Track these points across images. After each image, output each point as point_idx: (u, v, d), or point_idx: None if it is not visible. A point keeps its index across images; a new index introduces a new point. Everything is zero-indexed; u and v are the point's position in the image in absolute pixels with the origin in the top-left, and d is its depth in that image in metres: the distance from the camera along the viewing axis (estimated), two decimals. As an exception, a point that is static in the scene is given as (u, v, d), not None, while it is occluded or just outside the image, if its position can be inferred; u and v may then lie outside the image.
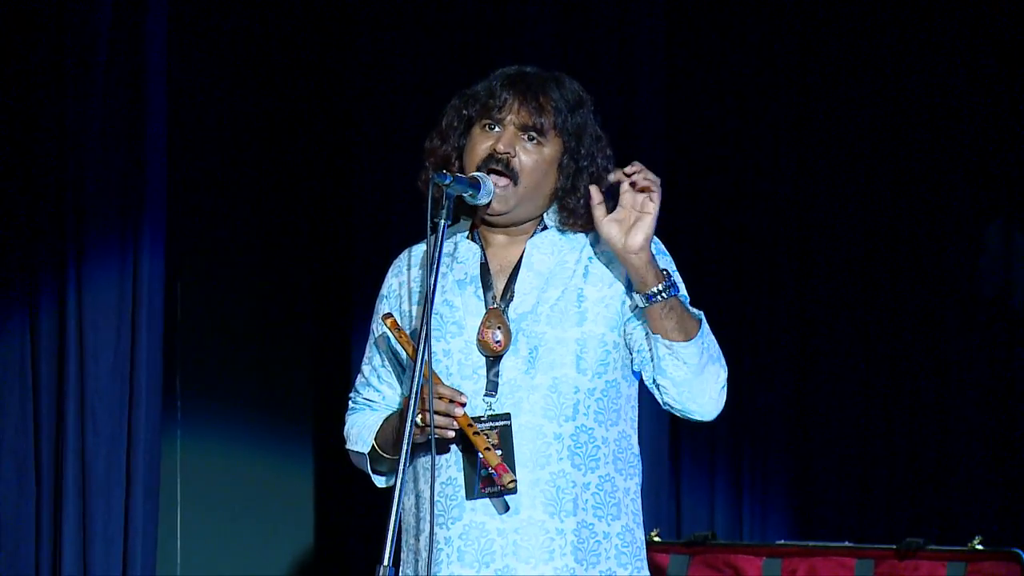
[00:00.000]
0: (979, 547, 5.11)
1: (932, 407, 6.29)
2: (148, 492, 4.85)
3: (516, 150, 3.27)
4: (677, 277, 3.27)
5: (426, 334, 3.09)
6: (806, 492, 6.35)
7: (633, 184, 3.17)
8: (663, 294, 3.16)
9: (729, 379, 3.30)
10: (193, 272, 5.73)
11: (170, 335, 5.16)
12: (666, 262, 3.30)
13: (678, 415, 3.30)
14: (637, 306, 3.21)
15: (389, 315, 3.32)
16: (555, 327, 3.25)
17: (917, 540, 5.18)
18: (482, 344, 3.25)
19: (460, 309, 3.29)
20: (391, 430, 3.31)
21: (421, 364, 3.07)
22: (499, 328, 3.25)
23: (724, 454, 6.30)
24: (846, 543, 5.32)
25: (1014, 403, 6.21)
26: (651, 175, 3.16)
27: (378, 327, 3.41)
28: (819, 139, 6.44)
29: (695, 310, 3.23)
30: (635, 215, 3.16)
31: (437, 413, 3.16)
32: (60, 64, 4.82)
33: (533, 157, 3.28)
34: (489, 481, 3.20)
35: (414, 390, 3.07)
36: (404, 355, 3.32)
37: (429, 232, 3.14)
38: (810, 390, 6.38)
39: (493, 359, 3.25)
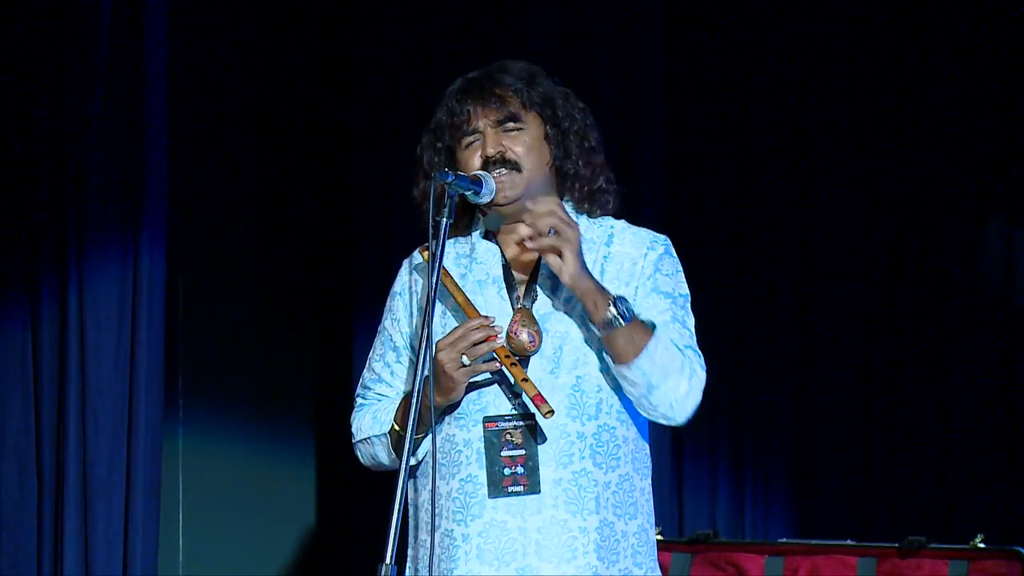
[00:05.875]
0: (981, 545, 5.11)
1: (934, 406, 6.28)
2: (149, 490, 4.85)
3: (504, 145, 3.28)
4: (665, 282, 3.29)
5: (427, 334, 3.09)
6: (808, 490, 6.34)
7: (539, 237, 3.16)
8: (614, 323, 3.16)
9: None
10: (194, 270, 5.73)
11: (172, 333, 5.16)
12: (671, 264, 3.34)
13: None
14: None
15: (427, 248, 3.27)
16: (579, 326, 3.26)
17: (919, 538, 5.18)
18: (512, 344, 3.25)
19: (482, 309, 3.29)
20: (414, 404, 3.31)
21: (422, 367, 3.07)
22: (530, 328, 3.26)
23: (726, 453, 6.30)
24: (848, 541, 5.32)
25: (1016, 401, 6.20)
26: (540, 224, 3.14)
27: (391, 323, 3.42)
28: (820, 138, 6.44)
29: (650, 321, 3.23)
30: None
31: (477, 344, 3.17)
32: (60, 63, 4.82)
33: (522, 141, 3.30)
34: (513, 480, 3.20)
35: (418, 378, 3.06)
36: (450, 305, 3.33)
37: (431, 234, 3.14)
38: (812, 388, 6.38)
39: (522, 360, 3.25)
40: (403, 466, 3.04)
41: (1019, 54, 6.23)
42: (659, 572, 3.34)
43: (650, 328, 3.21)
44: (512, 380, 3.20)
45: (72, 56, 4.81)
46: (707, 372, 3.34)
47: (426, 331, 3.09)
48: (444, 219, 3.15)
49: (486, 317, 3.21)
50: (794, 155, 6.45)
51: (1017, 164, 6.25)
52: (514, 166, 3.27)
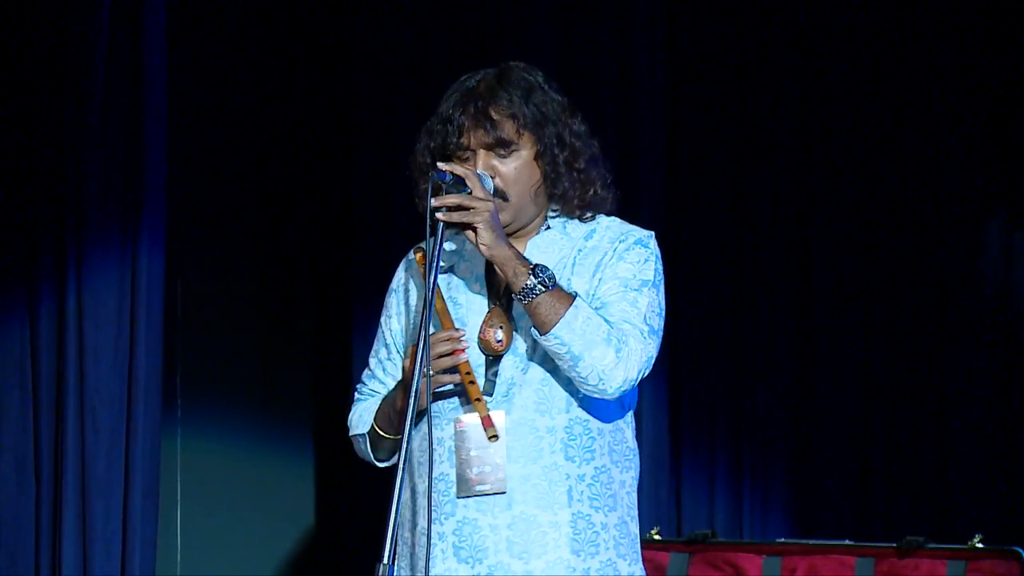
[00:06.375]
0: (979, 545, 5.10)
1: (932, 405, 6.28)
2: (148, 490, 4.85)
3: (493, 168, 3.28)
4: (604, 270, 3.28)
5: (425, 334, 3.10)
6: (806, 490, 6.34)
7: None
8: (535, 290, 3.17)
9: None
10: (193, 270, 5.73)
11: (170, 333, 5.16)
12: (638, 253, 3.31)
13: None
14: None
15: (420, 248, 3.32)
16: None
17: (917, 538, 5.18)
18: (483, 343, 3.27)
19: (463, 306, 3.31)
20: (388, 408, 3.34)
21: (420, 365, 3.08)
22: (501, 328, 3.27)
23: (724, 452, 6.29)
24: (846, 541, 5.31)
25: (1014, 401, 6.20)
26: (449, 201, 3.15)
27: (385, 320, 3.44)
28: (819, 138, 6.43)
29: (572, 291, 3.23)
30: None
31: (442, 356, 3.19)
32: (59, 63, 4.82)
33: (511, 165, 3.29)
34: (480, 479, 3.21)
35: (414, 383, 3.08)
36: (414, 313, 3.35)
37: (428, 234, 3.15)
38: (810, 388, 6.38)
39: (493, 358, 3.27)
40: (400, 466, 3.05)
41: (1019, 54, 6.23)
42: (642, 567, 3.33)
43: (572, 297, 3.21)
44: (468, 397, 3.22)
45: (71, 56, 4.82)
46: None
47: (423, 331, 3.09)
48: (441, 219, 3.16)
49: (456, 330, 3.22)
50: (794, 155, 6.44)
51: (1016, 164, 6.25)
52: (500, 194, 3.27)
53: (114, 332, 4.84)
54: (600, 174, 3.36)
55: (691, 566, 5.38)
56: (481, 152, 3.28)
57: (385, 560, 2.98)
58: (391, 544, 2.99)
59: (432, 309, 3.18)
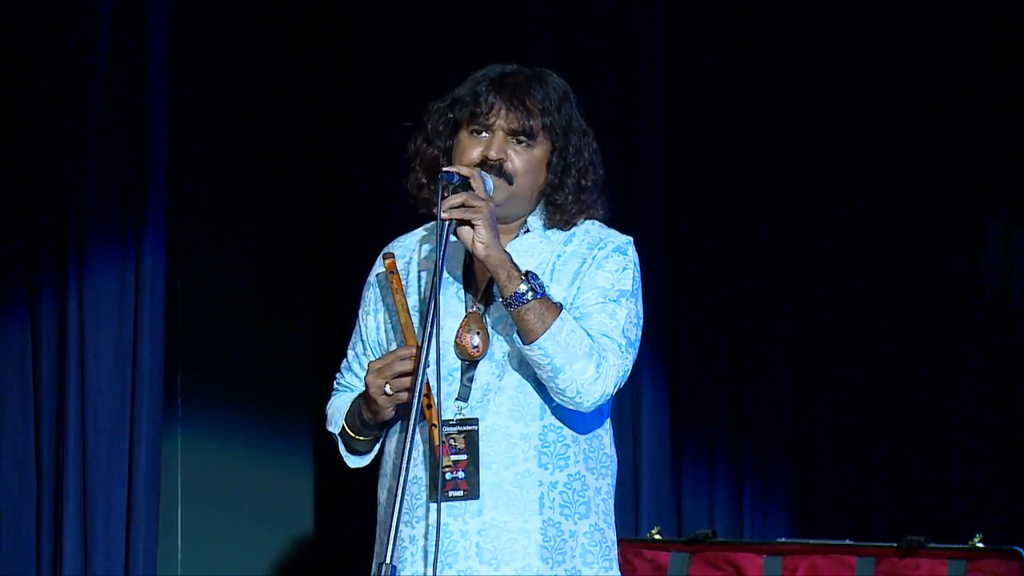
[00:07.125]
0: (980, 545, 5.11)
1: (933, 405, 6.29)
2: (149, 490, 4.86)
3: (508, 154, 3.29)
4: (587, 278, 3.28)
5: (429, 333, 3.10)
6: (807, 490, 6.34)
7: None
8: (525, 296, 3.16)
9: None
10: (194, 269, 5.74)
11: (171, 332, 5.16)
12: (616, 261, 3.31)
13: None
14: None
15: (390, 255, 3.34)
16: None
17: (918, 538, 5.18)
18: (459, 348, 3.27)
19: (441, 308, 3.28)
20: (355, 415, 3.36)
21: (424, 363, 3.08)
22: (477, 333, 3.27)
23: (725, 452, 6.30)
24: (847, 541, 5.32)
25: (1014, 401, 6.21)
26: (453, 201, 3.16)
27: (363, 315, 3.44)
28: (819, 137, 6.44)
29: (559, 302, 3.22)
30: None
31: (405, 375, 3.19)
32: (60, 62, 4.83)
33: (524, 158, 3.30)
34: (453, 484, 3.21)
35: (418, 384, 3.07)
36: (388, 312, 3.35)
37: (438, 232, 3.15)
38: (811, 388, 6.38)
39: (469, 363, 3.26)
40: (404, 464, 3.05)
41: (1019, 53, 6.23)
42: (616, 572, 3.32)
43: (559, 308, 3.20)
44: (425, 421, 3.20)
45: (73, 55, 4.82)
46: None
47: (429, 330, 3.10)
48: (448, 220, 3.16)
49: (418, 347, 3.18)
50: (793, 156, 6.45)
51: (1016, 163, 6.26)
52: (508, 179, 3.28)
53: (115, 331, 4.84)
54: (597, 199, 3.36)
55: (692, 566, 5.38)
56: (500, 134, 3.29)
57: (387, 559, 2.98)
58: (392, 543, 2.99)
59: (438, 306, 3.17)
